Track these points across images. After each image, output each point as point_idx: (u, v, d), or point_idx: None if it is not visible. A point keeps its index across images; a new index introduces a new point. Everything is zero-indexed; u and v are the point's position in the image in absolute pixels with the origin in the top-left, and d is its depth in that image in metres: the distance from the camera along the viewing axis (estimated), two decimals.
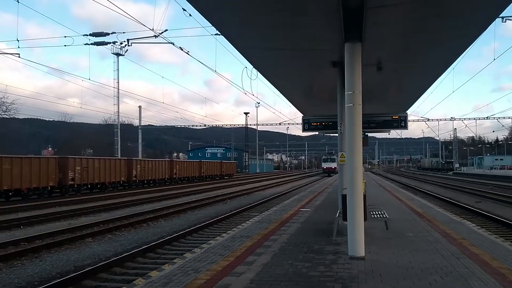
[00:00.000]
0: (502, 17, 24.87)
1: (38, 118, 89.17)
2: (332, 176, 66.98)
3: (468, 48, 10.42)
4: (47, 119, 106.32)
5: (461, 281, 6.14)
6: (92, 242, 13.38)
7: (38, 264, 10.63)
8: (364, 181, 10.02)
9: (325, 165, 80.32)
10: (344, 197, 8.67)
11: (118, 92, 56.56)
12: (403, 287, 5.86)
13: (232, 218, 18.22)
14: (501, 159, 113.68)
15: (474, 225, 12.33)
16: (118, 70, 54.92)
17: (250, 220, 13.56)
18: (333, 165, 72.61)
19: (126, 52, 53.84)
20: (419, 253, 8.04)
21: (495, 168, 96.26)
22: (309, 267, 7.04)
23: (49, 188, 30.09)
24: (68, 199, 27.38)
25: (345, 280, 6.26)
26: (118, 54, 52.68)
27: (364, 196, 8.68)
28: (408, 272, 6.64)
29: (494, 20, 8.75)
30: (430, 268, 6.88)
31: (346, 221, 8.25)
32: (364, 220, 8.50)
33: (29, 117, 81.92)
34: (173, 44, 26.89)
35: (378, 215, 10.71)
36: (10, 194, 27.13)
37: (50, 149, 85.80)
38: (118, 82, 55.89)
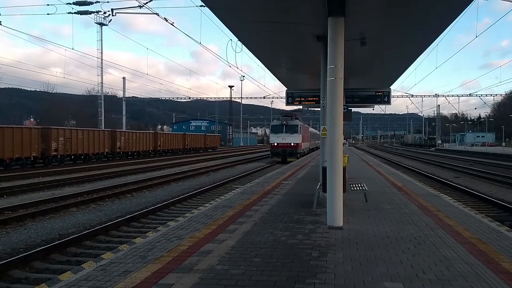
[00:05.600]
0: None
1: (19, 87, 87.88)
2: (289, 163, 31.89)
3: (453, 23, 10.48)
4: (29, 89, 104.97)
5: (433, 249, 6.43)
6: (76, 212, 13.50)
7: (23, 232, 10.74)
8: (347, 155, 10.26)
9: (275, 140, 37.81)
10: (324, 170, 8.88)
11: (101, 63, 56.04)
12: (377, 254, 6.11)
13: (215, 190, 18.43)
14: (483, 136, 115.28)
15: (451, 198, 12.65)
16: (101, 40, 54.28)
17: (233, 191, 13.76)
18: (294, 139, 37.22)
19: (110, 22, 53.19)
20: (396, 224, 8.32)
21: (476, 145, 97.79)
22: (289, 236, 7.27)
23: (32, 159, 29.92)
24: (51, 170, 27.33)
25: (322, 247, 6.50)
26: (101, 24, 51.96)
27: (344, 168, 8.89)
28: (383, 241, 6.91)
29: None
30: (404, 238, 7.16)
31: (326, 192, 8.47)
32: (344, 192, 8.74)
33: (10, 87, 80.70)
34: (158, 15, 26.60)
35: (358, 188, 10.95)
36: None
37: (32, 119, 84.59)
38: (101, 53, 55.32)
